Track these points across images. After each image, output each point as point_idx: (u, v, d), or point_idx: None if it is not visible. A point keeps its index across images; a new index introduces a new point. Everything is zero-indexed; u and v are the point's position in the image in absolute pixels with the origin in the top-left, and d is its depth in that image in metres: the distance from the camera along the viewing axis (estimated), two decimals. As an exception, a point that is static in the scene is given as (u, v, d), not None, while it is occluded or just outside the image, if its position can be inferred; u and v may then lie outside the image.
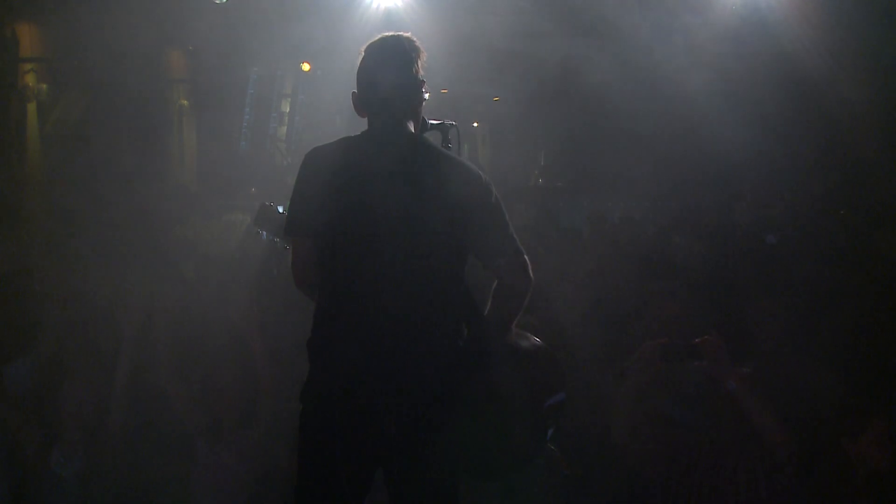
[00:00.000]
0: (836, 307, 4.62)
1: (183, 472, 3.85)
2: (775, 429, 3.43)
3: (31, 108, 8.75)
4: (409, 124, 2.85)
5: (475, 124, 13.77)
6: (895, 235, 6.25)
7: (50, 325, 4.41)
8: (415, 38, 2.86)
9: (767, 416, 3.43)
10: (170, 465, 3.83)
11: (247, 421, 3.87)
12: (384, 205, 2.69)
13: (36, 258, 5.75)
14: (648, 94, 9.35)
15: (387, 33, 2.89)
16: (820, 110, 8.33)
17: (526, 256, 2.85)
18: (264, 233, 3.42)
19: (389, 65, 2.81)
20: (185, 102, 11.13)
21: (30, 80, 8.69)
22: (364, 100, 2.84)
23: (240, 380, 3.89)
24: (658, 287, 5.02)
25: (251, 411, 3.89)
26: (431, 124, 3.04)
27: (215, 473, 3.81)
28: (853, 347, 4.11)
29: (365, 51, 2.85)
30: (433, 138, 3.00)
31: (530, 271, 2.85)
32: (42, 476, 3.79)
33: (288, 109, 13.10)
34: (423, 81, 2.85)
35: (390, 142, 2.79)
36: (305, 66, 11.82)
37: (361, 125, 2.90)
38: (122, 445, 3.82)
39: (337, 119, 10.73)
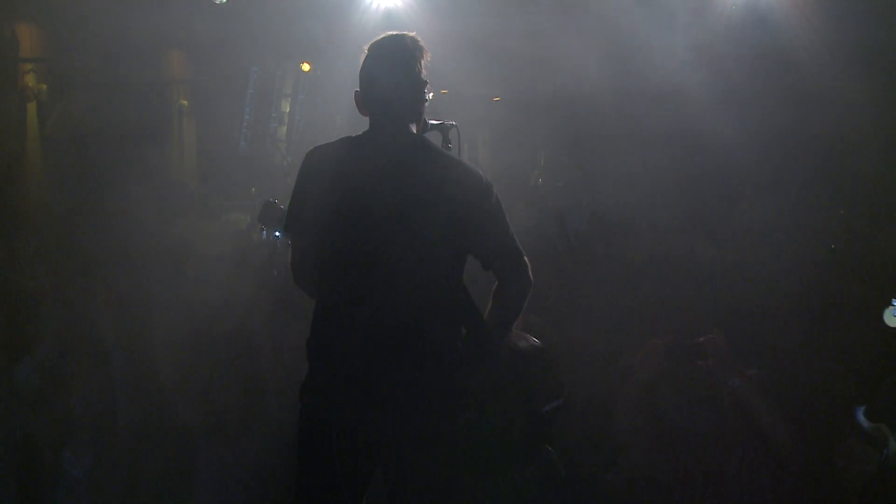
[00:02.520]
0: (837, 307, 4.62)
1: (184, 472, 3.86)
2: (779, 428, 3.41)
3: (31, 108, 8.75)
4: (410, 124, 2.84)
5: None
6: (895, 235, 6.25)
7: (50, 326, 4.42)
8: (419, 38, 2.84)
9: (771, 415, 3.42)
10: (171, 465, 3.84)
11: (247, 420, 3.87)
12: (384, 204, 2.68)
13: (35, 258, 5.75)
14: (648, 93, 9.34)
15: (391, 32, 2.88)
16: (820, 110, 8.33)
17: (526, 257, 2.85)
18: (264, 232, 3.43)
19: (392, 64, 2.79)
20: (185, 102, 11.13)
21: (30, 80, 8.69)
22: (366, 99, 2.83)
23: (241, 379, 3.90)
24: (659, 286, 5.02)
25: (252, 411, 3.89)
26: (431, 124, 3.04)
27: (215, 473, 3.82)
28: (854, 347, 4.11)
29: (368, 49, 2.84)
30: (433, 138, 3.00)
31: (530, 272, 2.84)
32: (54, 475, 3.82)
33: (288, 109, 13.10)
34: (426, 82, 2.84)
35: (391, 142, 2.79)
36: (305, 66, 11.83)
37: (362, 125, 2.89)
38: (130, 445, 3.84)
39: (337, 119, 10.73)
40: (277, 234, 3.39)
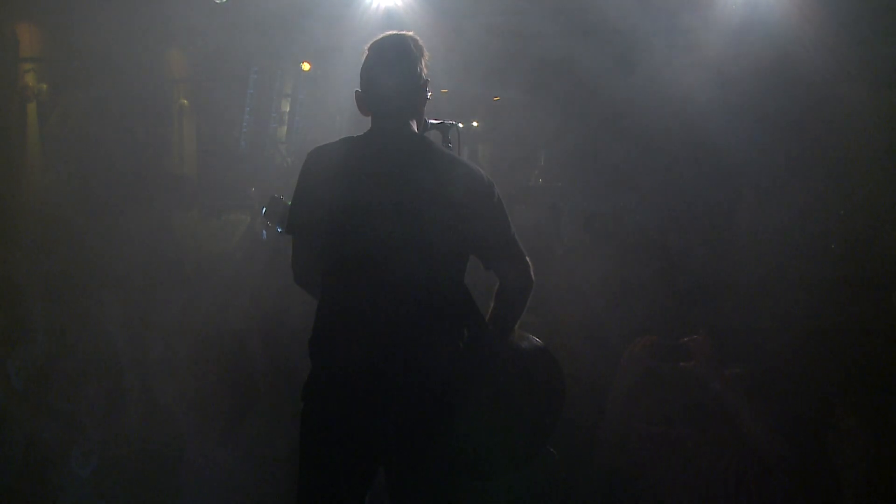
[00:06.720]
0: (835, 308, 4.62)
1: (187, 472, 3.87)
2: (762, 432, 3.40)
3: (31, 108, 8.73)
4: (411, 124, 2.86)
5: (475, 124, 13.78)
6: (895, 235, 6.26)
7: (41, 324, 4.43)
8: (419, 38, 2.87)
9: (754, 418, 3.41)
10: (174, 466, 3.86)
11: (249, 420, 3.88)
12: (385, 204, 2.69)
13: (34, 258, 5.75)
14: (648, 93, 9.34)
15: (390, 32, 2.90)
16: (820, 110, 8.33)
17: (528, 258, 2.86)
18: (265, 232, 3.43)
19: (393, 64, 2.82)
20: (186, 102, 11.12)
21: (30, 80, 8.67)
22: (367, 99, 2.85)
23: (243, 379, 3.91)
24: (657, 285, 5.03)
25: (253, 411, 3.90)
26: (431, 124, 3.05)
27: (218, 473, 3.83)
28: (850, 349, 4.11)
29: (369, 49, 2.86)
30: (433, 138, 3.01)
31: (532, 273, 2.86)
32: (62, 475, 3.84)
33: (288, 109, 13.09)
34: (428, 81, 2.86)
35: (392, 142, 2.80)
36: (305, 66, 11.81)
37: (362, 126, 2.91)
38: (136, 445, 3.86)
39: (337, 119, 10.73)
40: (280, 230, 3.41)
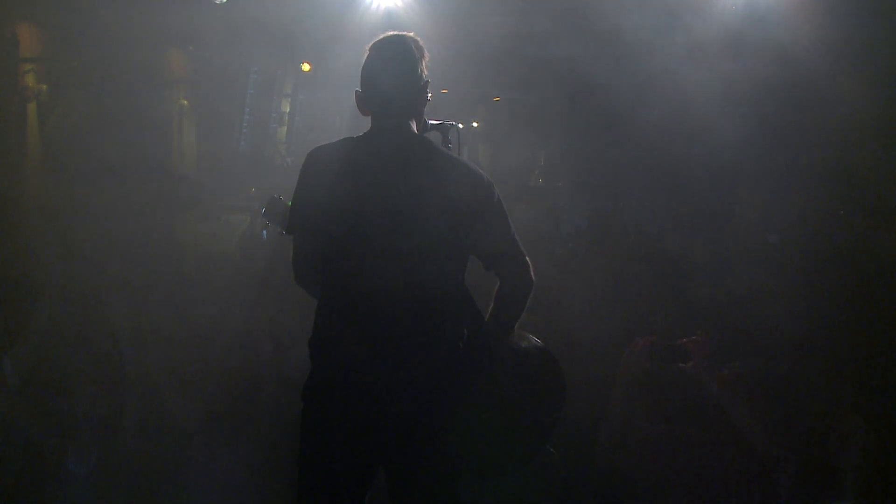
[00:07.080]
0: (835, 308, 4.63)
1: (186, 472, 3.88)
2: (757, 433, 3.41)
3: (31, 108, 8.73)
4: (411, 124, 2.86)
5: (475, 124, 13.79)
6: (895, 235, 6.25)
7: (39, 323, 4.44)
8: (419, 38, 2.87)
9: (750, 420, 3.42)
10: (174, 465, 3.87)
11: (249, 420, 3.88)
12: (385, 204, 2.70)
13: (33, 256, 5.75)
14: (648, 93, 9.35)
15: (391, 32, 2.90)
16: (820, 110, 8.33)
17: (528, 258, 2.86)
18: (265, 232, 3.44)
19: (394, 64, 2.82)
20: (186, 102, 11.12)
21: (30, 80, 8.67)
22: (367, 99, 2.85)
23: (243, 379, 3.92)
24: (656, 286, 5.04)
25: (254, 410, 3.90)
26: (431, 124, 3.06)
27: (218, 473, 3.83)
28: (850, 349, 4.11)
29: (370, 50, 2.86)
30: (433, 139, 3.01)
31: (532, 273, 2.86)
32: (59, 474, 3.85)
33: (288, 109, 13.09)
34: (428, 82, 2.86)
35: (392, 142, 2.80)
36: (305, 66, 11.81)
37: (362, 126, 2.91)
38: (134, 444, 3.87)
39: (337, 119, 10.74)
40: (282, 231, 3.45)
